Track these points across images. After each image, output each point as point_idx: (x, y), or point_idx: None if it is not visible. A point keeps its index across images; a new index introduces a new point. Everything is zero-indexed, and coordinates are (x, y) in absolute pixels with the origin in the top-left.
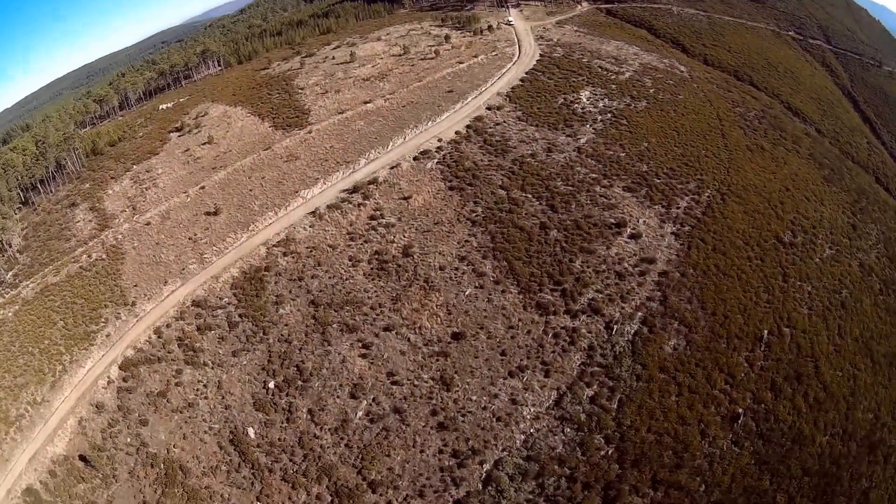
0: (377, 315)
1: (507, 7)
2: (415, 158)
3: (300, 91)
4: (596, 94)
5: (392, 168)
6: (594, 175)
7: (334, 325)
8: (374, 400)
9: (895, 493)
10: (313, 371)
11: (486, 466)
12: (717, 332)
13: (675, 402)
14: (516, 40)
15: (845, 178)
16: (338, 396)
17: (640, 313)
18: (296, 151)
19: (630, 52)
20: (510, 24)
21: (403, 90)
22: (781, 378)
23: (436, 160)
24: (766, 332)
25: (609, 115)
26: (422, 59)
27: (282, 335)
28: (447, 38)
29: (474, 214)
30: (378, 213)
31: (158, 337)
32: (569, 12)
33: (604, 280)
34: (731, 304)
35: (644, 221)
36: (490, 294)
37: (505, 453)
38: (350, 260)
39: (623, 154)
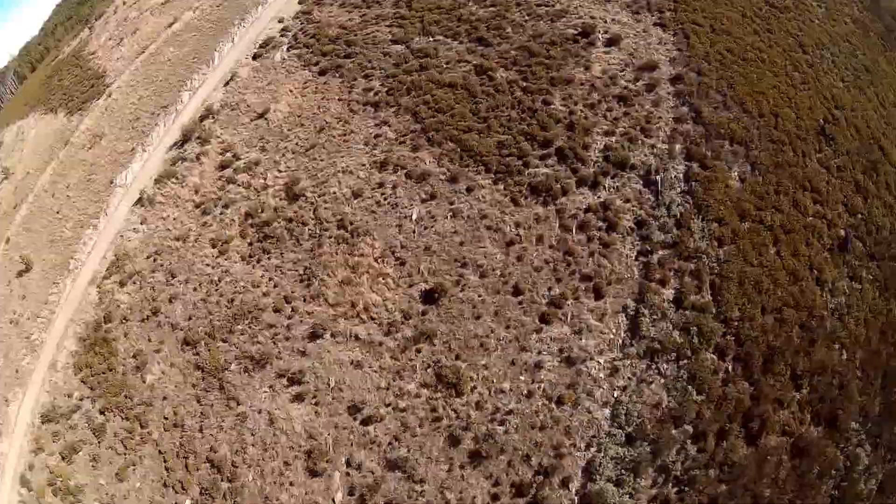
0: (290, 320)
1: None
2: (255, 57)
3: (92, 56)
4: None
5: (227, 84)
6: None
7: (232, 368)
8: (348, 463)
9: None
10: (235, 458)
11: (575, 484)
12: (777, 138)
13: (775, 255)
14: None
15: None
16: (290, 484)
17: (678, 145)
18: (98, 129)
19: None
20: None
21: None
22: (861, 174)
23: (285, 46)
24: (822, 120)
25: None
26: None
27: (166, 419)
28: None
29: (371, 94)
30: (229, 154)
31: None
32: None
33: (607, 113)
34: (771, 96)
35: (613, 19)
36: (452, 202)
37: (593, 450)
38: (214, 246)
39: None
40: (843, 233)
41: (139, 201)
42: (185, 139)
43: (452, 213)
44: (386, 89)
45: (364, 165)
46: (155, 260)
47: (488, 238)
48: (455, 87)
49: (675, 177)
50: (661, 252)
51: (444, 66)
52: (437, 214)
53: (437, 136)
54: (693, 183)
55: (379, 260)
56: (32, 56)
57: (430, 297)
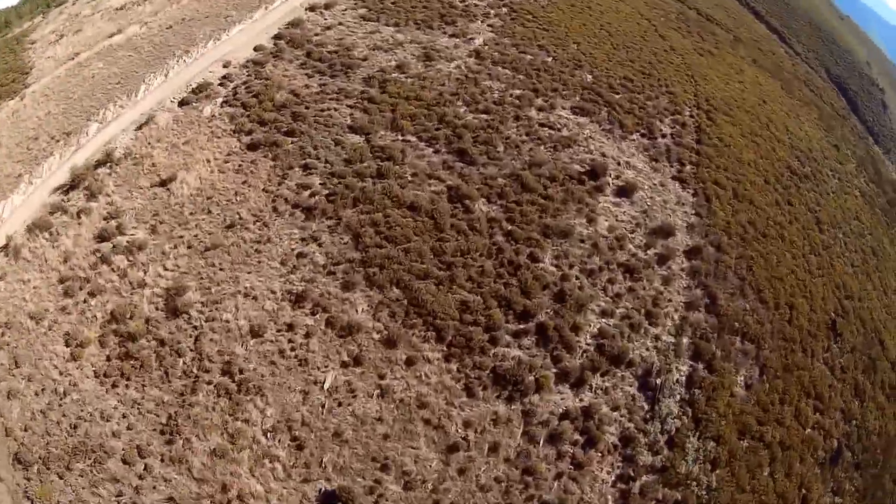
0: (141, 481)
1: None
2: (181, 103)
3: (30, 47)
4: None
5: (140, 129)
6: (518, 91)
7: None
8: None
9: None
10: None
11: None
12: (789, 334)
13: (768, 476)
14: None
15: (794, 88)
16: None
17: (685, 338)
18: None
19: None
20: None
21: (172, 7)
22: (861, 373)
23: (220, 99)
24: (833, 314)
25: (504, 8)
26: None
27: None
28: None
29: (307, 193)
30: (114, 224)
31: None
32: None
33: (608, 286)
34: (788, 283)
35: (627, 162)
36: (383, 376)
37: None
38: (67, 344)
39: (550, 59)
40: (836, 444)
41: (4, 248)
42: (72, 184)
43: (381, 390)
44: (327, 192)
45: (274, 294)
46: (2, 334)
47: (424, 436)
48: (418, 210)
49: (677, 380)
50: (645, 478)
51: (410, 178)
52: (360, 389)
53: (381, 275)
54: (696, 391)
55: (269, 434)
56: None
57: (330, 502)
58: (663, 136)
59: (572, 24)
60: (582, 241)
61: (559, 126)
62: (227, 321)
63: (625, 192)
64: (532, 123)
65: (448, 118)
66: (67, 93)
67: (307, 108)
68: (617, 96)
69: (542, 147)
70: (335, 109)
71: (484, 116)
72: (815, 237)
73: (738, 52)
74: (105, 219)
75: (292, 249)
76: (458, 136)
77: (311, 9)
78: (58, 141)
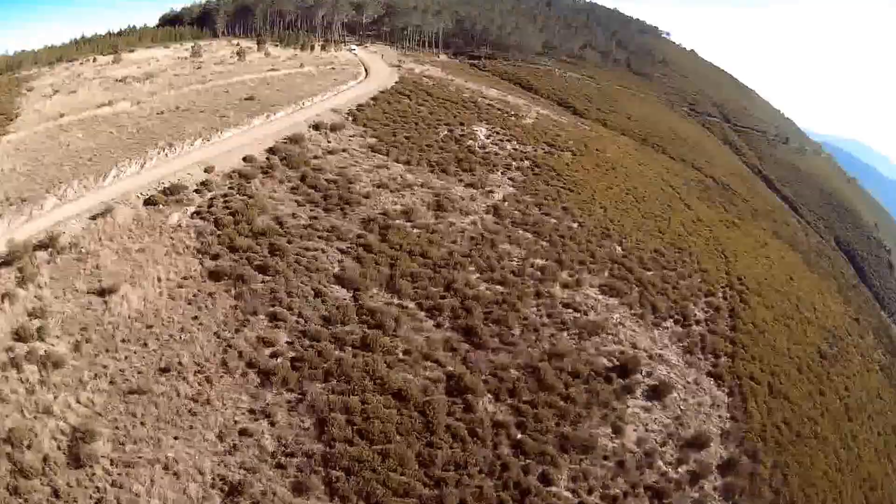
0: None
1: (346, 42)
2: (147, 202)
3: (26, 93)
4: (498, 134)
5: (96, 218)
6: (541, 260)
7: None
8: None
9: None
10: None
11: None
12: None
13: None
14: (362, 64)
15: (812, 260)
16: None
17: None
18: None
19: (520, 102)
20: (353, 52)
21: (170, 92)
22: None
23: (191, 208)
24: None
25: (526, 161)
26: (217, 64)
27: None
28: (261, 46)
29: (268, 351)
30: (34, 324)
31: None
32: (426, 59)
33: None
34: (821, 488)
35: (660, 355)
36: None
37: None
38: None
39: (576, 226)
40: None
41: None
42: (6, 261)
43: None
44: (293, 355)
45: (202, 476)
46: None
47: None
48: (406, 401)
49: None
50: None
51: (402, 356)
52: None
53: (347, 483)
54: None
55: None
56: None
57: None
58: (697, 321)
59: (598, 186)
60: (606, 458)
61: (586, 308)
62: (138, 495)
63: (657, 393)
64: (555, 303)
65: (457, 285)
66: (39, 154)
67: (290, 242)
68: (649, 273)
69: (565, 333)
70: (323, 251)
71: (499, 288)
72: (844, 427)
73: (759, 224)
74: (29, 314)
75: (236, 422)
76: (468, 309)
77: (316, 127)
78: (11, 205)
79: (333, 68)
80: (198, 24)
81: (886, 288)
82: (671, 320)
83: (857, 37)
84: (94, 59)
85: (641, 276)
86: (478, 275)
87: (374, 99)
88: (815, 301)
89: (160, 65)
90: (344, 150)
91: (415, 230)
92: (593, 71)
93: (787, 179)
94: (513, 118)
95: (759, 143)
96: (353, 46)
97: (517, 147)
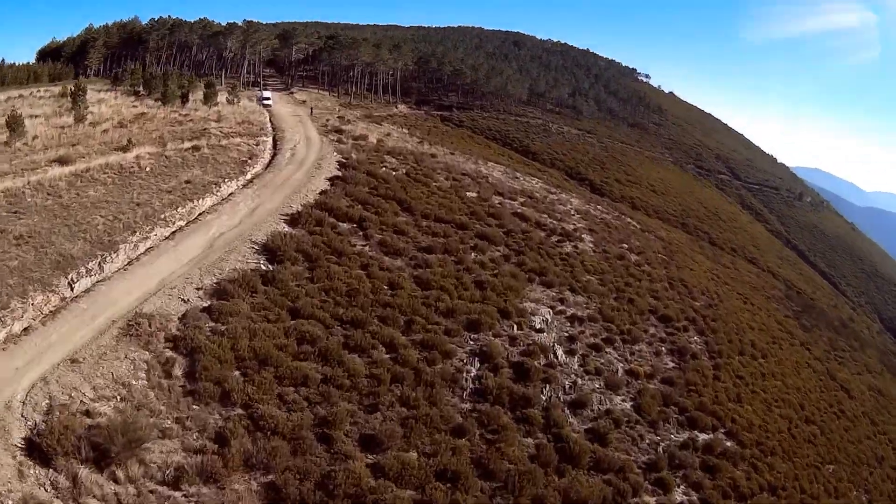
0: None
1: (261, 86)
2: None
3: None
4: (563, 309)
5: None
6: None
7: None
8: None
9: None
10: None
11: None
12: None
13: None
14: (271, 129)
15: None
16: None
17: None
18: None
19: (536, 186)
20: (264, 104)
21: (85, 183)
22: None
23: None
24: None
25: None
26: None
27: None
28: (82, 98)
29: None
30: None
31: None
32: (381, 111)
33: None
34: None
35: None
36: None
37: None
38: None
39: None
40: None
41: None
42: None
43: None
44: None
45: None
46: None
47: None
48: None
49: None
50: None
51: None
52: None
53: None
54: None
55: None
56: None
57: None
58: None
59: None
60: None
61: None
62: None
63: None
64: None
65: None
66: None
67: None
68: None
69: None
70: None
71: None
72: None
73: (866, 356)
74: None
75: None
76: None
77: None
78: None
79: (203, 147)
80: (73, 59)
81: None
82: None
83: (795, 64)
84: None
85: None
86: None
87: (258, 270)
88: None
89: None
90: None
91: None
92: (589, 124)
93: (818, 249)
94: (558, 243)
95: (776, 203)
96: (266, 93)
97: (616, 358)
